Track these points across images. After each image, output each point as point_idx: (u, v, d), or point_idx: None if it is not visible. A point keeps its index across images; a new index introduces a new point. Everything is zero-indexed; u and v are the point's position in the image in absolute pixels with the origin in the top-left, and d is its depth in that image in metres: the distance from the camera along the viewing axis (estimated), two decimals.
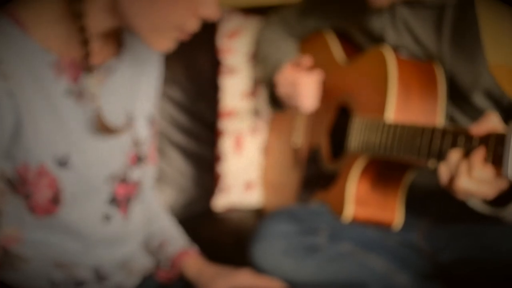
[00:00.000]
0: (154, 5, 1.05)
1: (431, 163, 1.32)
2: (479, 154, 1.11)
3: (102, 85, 1.17)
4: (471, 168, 1.11)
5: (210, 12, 1.08)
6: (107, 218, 1.22)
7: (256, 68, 1.84)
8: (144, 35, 1.09)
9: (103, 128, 1.14)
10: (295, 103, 1.60)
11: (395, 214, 1.43)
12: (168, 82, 1.85)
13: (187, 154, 1.89)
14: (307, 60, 1.62)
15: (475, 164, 1.11)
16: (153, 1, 1.05)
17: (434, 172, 1.35)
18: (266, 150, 1.88)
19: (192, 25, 1.09)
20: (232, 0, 1.95)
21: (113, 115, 1.18)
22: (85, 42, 1.08)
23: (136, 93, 1.24)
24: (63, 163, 1.13)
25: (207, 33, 1.89)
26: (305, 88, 1.58)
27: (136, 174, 1.25)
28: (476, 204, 1.19)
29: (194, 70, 1.88)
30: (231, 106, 1.87)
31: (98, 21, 1.10)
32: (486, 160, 1.10)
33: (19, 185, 1.13)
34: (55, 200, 1.15)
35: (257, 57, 1.79)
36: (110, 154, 1.19)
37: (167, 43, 1.11)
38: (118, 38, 1.21)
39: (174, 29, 1.09)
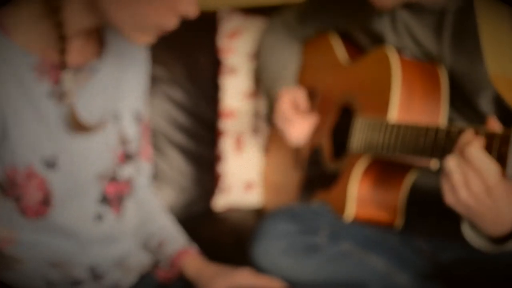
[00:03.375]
0: (132, 3, 1.06)
1: (433, 163, 1.32)
2: (479, 140, 1.09)
3: (85, 86, 1.17)
4: (467, 145, 1.09)
5: (188, 9, 1.09)
6: (99, 217, 1.22)
7: (256, 73, 1.84)
8: (124, 31, 1.10)
9: (76, 125, 1.14)
10: (284, 136, 1.64)
11: (396, 214, 1.44)
12: (168, 82, 1.85)
13: (187, 154, 1.89)
14: (303, 101, 1.64)
15: (472, 143, 1.08)
16: (131, 0, 1.06)
17: (436, 172, 1.35)
18: (267, 150, 1.88)
19: (171, 23, 1.10)
20: (232, 0, 1.95)
21: (98, 115, 1.18)
22: (61, 38, 1.09)
23: (120, 91, 1.24)
24: (50, 164, 1.13)
25: (207, 33, 1.89)
26: (296, 129, 1.62)
27: (126, 172, 1.25)
28: (470, 235, 1.18)
29: (194, 70, 1.88)
30: (232, 106, 1.87)
31: (77, 19, 1.10)
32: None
33: (8, 187, 1.13)
34: (46, 201, 1.15)
35: (258, 62, 1.79)
36: (97, 153, 1.20)
37: (147, 38, 1.12)
38: (100, 38, 1.21)
39: (153, 26, 1.10)
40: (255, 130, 1.88)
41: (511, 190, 1.09)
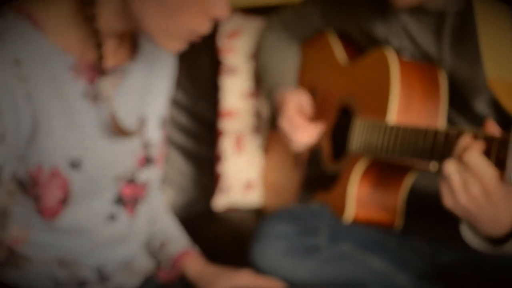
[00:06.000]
0: (165, 9, 1.04)
1: (432, 166, 1.32)
2: (478, 145, 1.09)
3: (118, 87, 1.17)
4: (465, 149, 1.09)
5: (221, 12, 1.07)
6: (112, 217, 1.22)
7: (256, 72, 1.84)
8: (156, 37, 1.08)
9: (118, 130, 1.14)
10: (287, 141, 1.63)
11: (396, 215, 1.44)
12: None
13: (187, 154, 1.89)
14: (309, 106, 1.64)
15: (471, 148, 1.08)
16: (164, 5, 1.04)
17: (435, 174, 1.35)
18: (267, 150, 1.88)
19: (204, 27, 1.08)
20: (232, 0, 1.95)
21: (127, 117, 1.18)
22: (98, 46, 1.08)
23: (149, 95, 1.24)
24: (75, 165, 1.13)
25: (207, 33, 1.88)
26: (303, 136, 1.61)
27: (144, 175, 1.25)
28: (469, 236, 1.18)
29: (194, 70, 1.88)
30: (231, 106, 1.87)
31: (109, 24, 1.09)
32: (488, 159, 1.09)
33: (30, 186, 1.13)
34: (64, 201, 1.15)
35: (257, 62, 1.79)
36: (121, 156, 1.19)
37: (179, 44, 1.10)
38: (133, 40, 1.21)
39: (186, 31, 1.08)
40: (255, 130, 1.88)
41: (510, 193, 1.09)
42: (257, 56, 1.80)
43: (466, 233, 1.18)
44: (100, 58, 1.09)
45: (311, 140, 1.61)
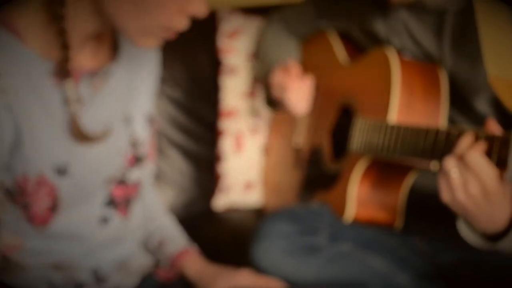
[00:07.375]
0: (140, 7, 1.03)
1: (433, 165, 1.32)
2: (480, 145, 1.09)
3: (100, 90, 1.16)
4: (467, 149, 1.09)
5: (198, 9, 1.06)
6: (104, 220, 1.21)
7: (255, 66, 1.84)
8: (131, 35, 1.07)
9: (78, 135, 1.12)
10: (286, 107, 1.63)
11: (396, 215, 1.44)
12: (168, 82, 1.85)
13: (187, 154, 1.89)
14: (295, 66, 1.65)
15: (472, 149, 1.09)
16: (139, 4, 1.03)
17: (436, 174, 1.35)
18: (267, 150, 1.88)
19: (181, 24, 1.07)
20: (232, 0, 1.95)
21: (113, 119, 1.18)
22: (64, 46, 1.06)
23: (133, 93, 1.23)
24: (62, 171, 1.12)
25: (207, 33, 1.89)
26: (293, 93, 1.61)
27: (135, 174, 1.24)
28: (465, 232, 1.18)
29: (194, 70, 1.88)
30: (231, 106, 1.87)
31: (82, 24, 1.08)
32: (489, 159, 1.09)
33: (17, 195, 1.13)
34: (53, 208, 1.14)
35: (257, 55, 1.79)
36: (108, 158, 1.18)
37: (155, 41, 1.09)
38: (113, 41, 1.20)
39: (161, 29, 1.07)
40: (255, 130, 1.88)
41: (508, 192, 1.10)
42: (257, 52, 1.80)
43: (463, 229, 1.19)
44: (66, 59, 1.07)
45: (304, 96, 1.62)
